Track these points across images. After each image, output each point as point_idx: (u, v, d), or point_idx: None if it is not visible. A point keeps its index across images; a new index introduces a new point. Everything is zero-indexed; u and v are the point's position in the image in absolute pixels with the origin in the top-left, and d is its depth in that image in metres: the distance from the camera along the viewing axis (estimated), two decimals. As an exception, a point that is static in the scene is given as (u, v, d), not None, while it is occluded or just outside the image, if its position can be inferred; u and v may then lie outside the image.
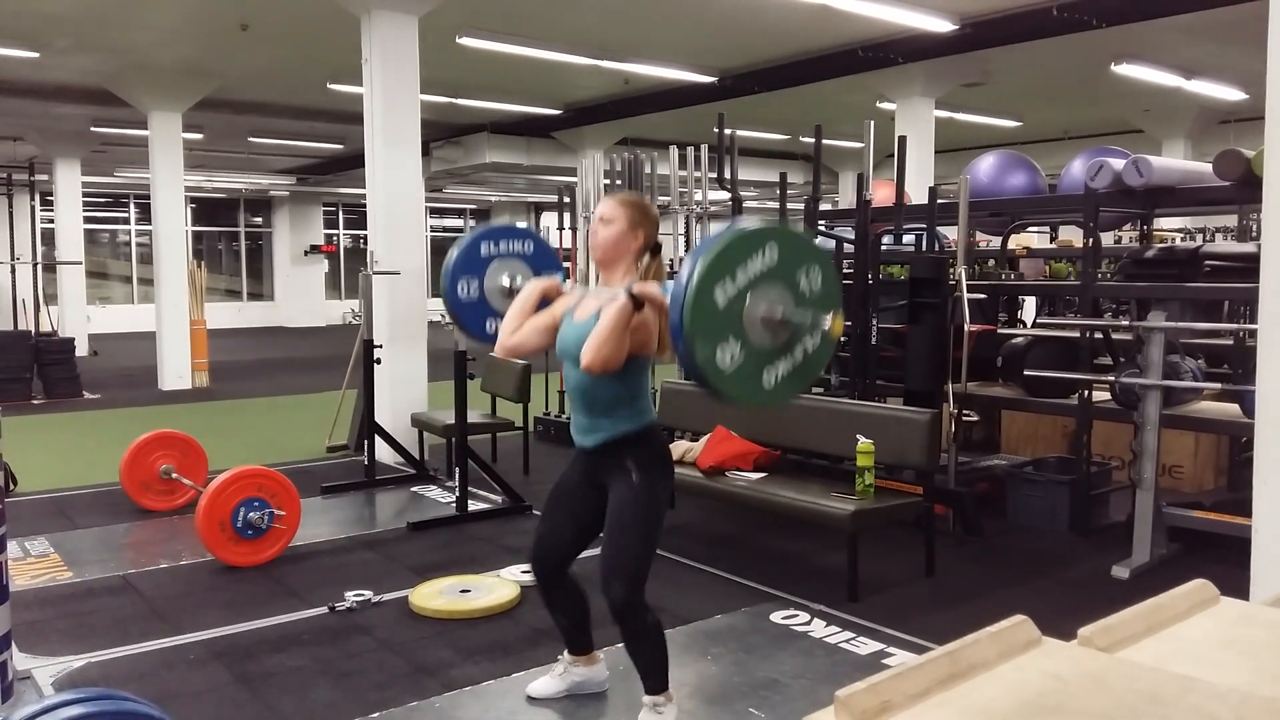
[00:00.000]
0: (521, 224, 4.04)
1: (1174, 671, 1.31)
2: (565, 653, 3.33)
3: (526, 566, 4.65)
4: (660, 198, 7.80)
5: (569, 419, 3.09)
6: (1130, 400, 4.83)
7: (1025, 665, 1.31)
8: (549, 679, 3.33)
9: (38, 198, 17.27)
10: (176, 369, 11.57)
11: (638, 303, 2.72)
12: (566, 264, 8.40)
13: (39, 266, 14.98)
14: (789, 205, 6.81)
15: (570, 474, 3.13)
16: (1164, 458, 4.92)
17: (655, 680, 3.01)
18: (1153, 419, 4.59)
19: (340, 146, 16.68)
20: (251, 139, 16.00)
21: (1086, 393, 5.26)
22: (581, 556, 3.14)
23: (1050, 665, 1.31)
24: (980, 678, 1.27)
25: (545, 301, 3.14)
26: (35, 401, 10.45)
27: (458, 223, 27.47)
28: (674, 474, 3.08)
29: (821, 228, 6.55)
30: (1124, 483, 5.34)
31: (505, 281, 3.47)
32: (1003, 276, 6.60)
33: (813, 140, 6.38)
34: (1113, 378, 4.93)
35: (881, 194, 6.74)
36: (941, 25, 8.62)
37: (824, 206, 10.34)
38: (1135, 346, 4.83)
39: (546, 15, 8.86)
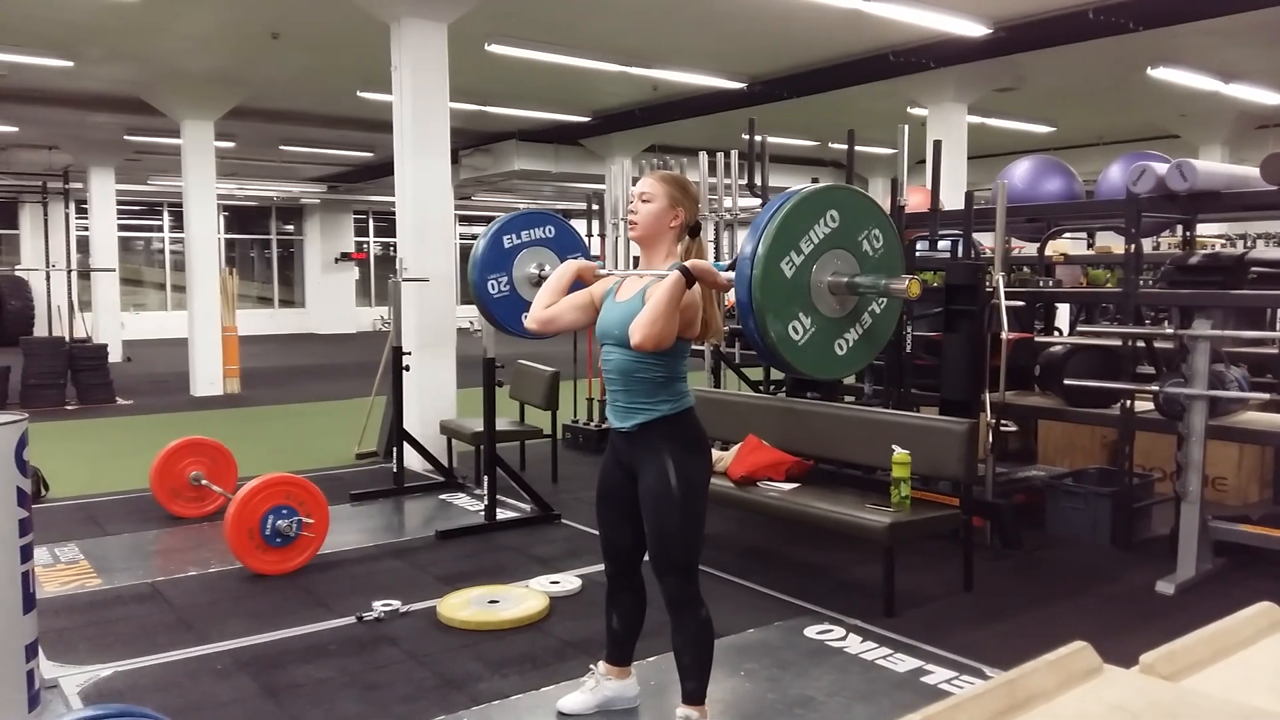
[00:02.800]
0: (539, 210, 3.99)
1: (1246, 703, 1.23)
2: (599, 664, 3.28)
3: (556, 576, 4.63)
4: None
5: (604, 404, 3.05)
6: (1174, 411, 4.70)
7: (1087, 696, 1.23)
8: (580, 694, 3.27)
9: (73, 205, 17.49)
10: (208, 375, 11.64)
11: (690, 278, 2.67)
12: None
13: (74, 273, 15.14)
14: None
15: (608, 468, 3.07)
16: (1208, 469, 4.78)
17: (694, 686, 2.96)
18: (1198, 430, 4.46)
19: (370, 154, 16.77)
20: (283, 147, 16.10)
21: (1129, 403, 5.14)
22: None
23: (1114, 696, 1.23)
24: (1040, 709, 1.20)
25: (579, 284, 3.09)
26: (69, 407, 10.53)
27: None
28: (710, 456, 3.02)
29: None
30: (1166, 495, 5.21)
31: (533, 270, 3.43)
32: (1040, 283, 6.48)
33: (843, 146, 6.30)
34: (1156, 387, 4.80)
35: (914, 200, 6.65)
36: (974, 29, 8.50)
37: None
38: (1179, 355, 4.70)
39: (575, 22, 8.83)
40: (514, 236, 3.57)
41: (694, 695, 2.95)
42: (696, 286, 2.74)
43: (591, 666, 3.30)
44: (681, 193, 2.93)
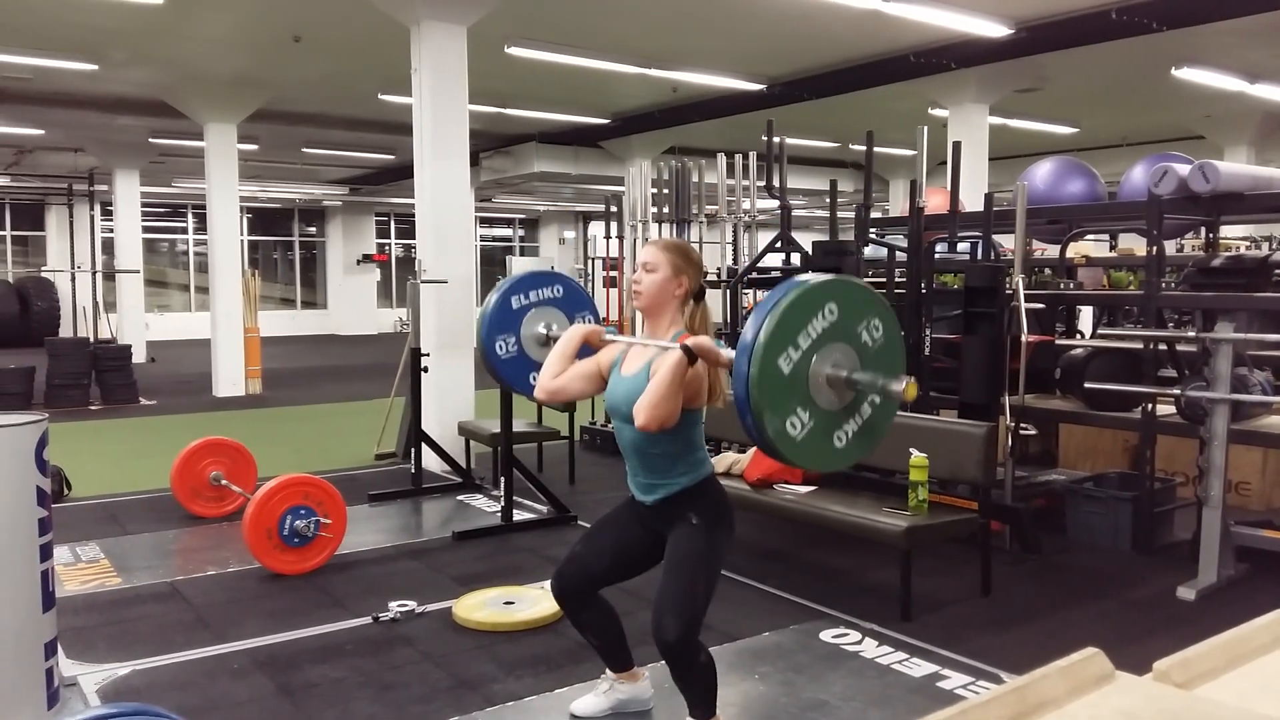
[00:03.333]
0: (546, 269, 4.00)
1: (1260, 712, 1.21)
2: (608, 672, 3.27)
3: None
4: (708, 206, 7.74)
5: (627, 473, 3.01)
6: (1197, 414, 4.65)
7: (1098, 703, 1.22)
8: (593, 697, 3.26)
9: (98, 208, 17.70)
10: (230, 376, 11.73)
11: (692, 357, 2.66)
12: (613, 272, 8.37)
13: (99, 275, 15.31)
14: (839, 213, 6.69)
15: (624, 512, 3.08)
16: (1231, 474, 4.73)
17: (703, 708, 2.93)
18: (1220, 434, 4.41)
19: (392, 157, 16.85)
20: (305, 149, 16.22)
21: (1150, 406, 5.08)
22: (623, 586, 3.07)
23: (1125, 703, 1.22)
24: (1050, 716, 1.18)
25: (587, 348, 3.09)
26: (93, 407, 10.64)
27: (507, 232, 27.63)
28: (734, 527, 3.00)
29: (873, 236, 6.43)
30: (1188, 500, 5.15)
31: (541, 330, 3.41)
32: (1061, 286, 6.43)
33: (863, 147, 6.27)
34: (1178, 391, 4.75)
35: (934, 202, 6.61)
36: (996, 30, 8.45)
37: (878, 215, 10.20)
38: (1201, 359, 4.65)
39: (594, 24, 8.84)
40: (522, 297, 3.55)
41: (696, 706, 2.93)
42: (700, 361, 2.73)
43: (604, 674, 3.30)
44: (684, 260, 2.91)
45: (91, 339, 12.78)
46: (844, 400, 2.53)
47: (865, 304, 2.59)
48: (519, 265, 23.17)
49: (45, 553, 3.15)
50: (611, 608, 3.13)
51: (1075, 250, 7.44)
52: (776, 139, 6.70)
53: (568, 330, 3.14)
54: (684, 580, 2.81)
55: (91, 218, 16.07)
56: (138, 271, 15.57)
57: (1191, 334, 4.67)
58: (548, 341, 3.33)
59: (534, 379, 3.38)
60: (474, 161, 15.87)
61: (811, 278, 2.56)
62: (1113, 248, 9.05)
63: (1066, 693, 1.23)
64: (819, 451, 2.54)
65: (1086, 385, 5.20)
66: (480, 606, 4.21)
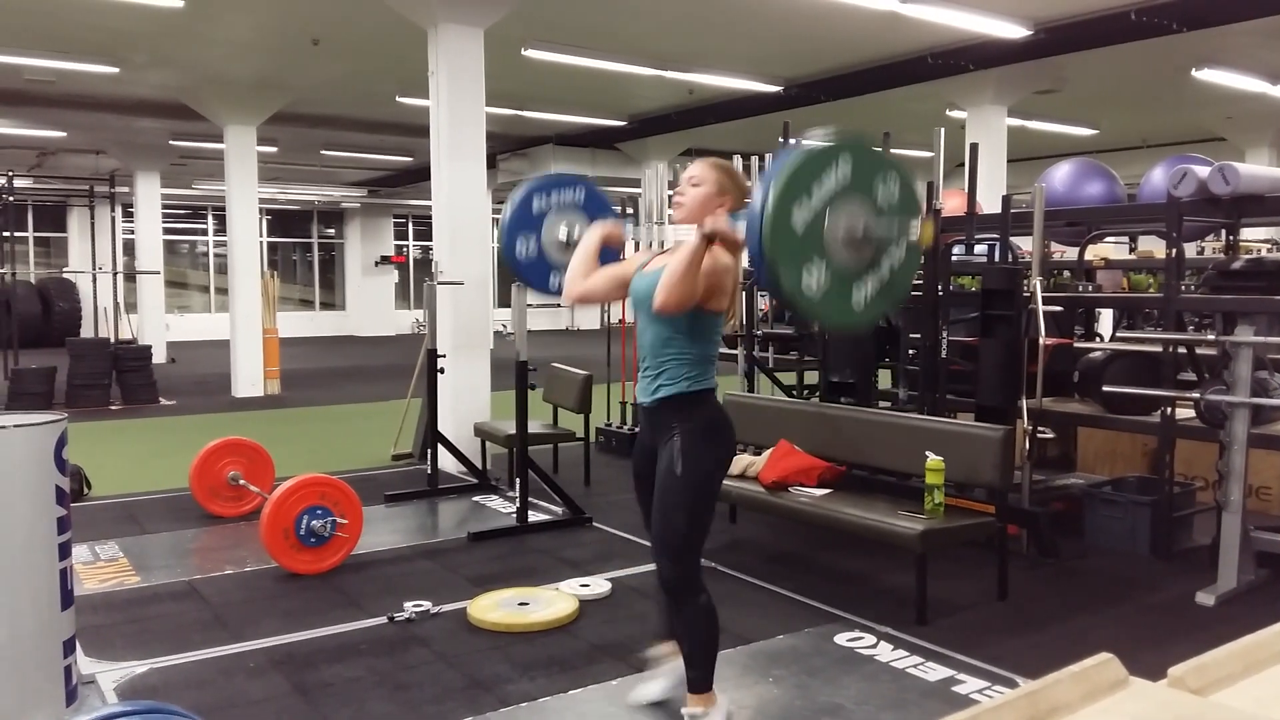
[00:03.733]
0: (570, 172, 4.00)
1: (1277, 719, 1.20)
2: (657, 648, 3.32)
3: (586, 580, 4.63)
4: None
5: (638, 409, 3.04)
6: (1216, 418, 4.61)
7: (1111, 709, 1.21)
8: (651, 682, 3.31)
9: (119, 209, 17.84)
10: (249, 376, 11.80)
11: (709, 238, 2.67)
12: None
13: (120, 276, 15.43)
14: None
15: (637, 448, 3.13)
16: (1251, 478, 4.68)
17: (695, 674, 2.97)
18: (1240, 438, 4.37)
19: (410, 159, 16.92)
20: (324, 152, 16.31)
21: (1169, 410, 5.04)
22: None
23: (1139, 709, 1.21)
24: (1062, 722, 1.18)
25: (607, 251, 3.11)
26: (113, 407, 10.72)
27: (524, 234, 27.67)
28: (731, 442, 3.02)
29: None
30: (1208, 504, 5.11)
31: (562, 234, 3.41)
32: (1079, 288, 6.39)
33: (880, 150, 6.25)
34: (1197, 394, 4.71)
35: (952, 203, 6.58)
36: (1015, 31, 8.41)
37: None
38: (1221, 362, 4.61)
39: (611, 26, 8.86)
40: (545, 199, 3.53)
41: (696, 684, 2.97)
42: (726, 254, 2.74)
43: (649, 655, 3.34)
44: (730, 180, 2.94)
45: (112, 339, 12.89)
46: (862, 258, 2.52)
47: (878, 161, 2.57)
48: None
49: (64, 551, 3.18)
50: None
51: (1094, 253, 7.39)
52: (793, 140, 6.68)
53: (588, 231, 3.16)
54: (665, 514, 2.87)
55: (113, 219, 16.16)
56: (158, 273, 15.69)
57: (1211, 337, 4.63)
58: (568, 245, 3.33)
59: (554, 281, 3.38)
60: (491, 164, 15.92)
61: (820, 137, 2.55)
62: (1132, 250, 8.99)
63: (1080, 698, 1.22)
64: (838, 308, 2.54)
65: (1105, 388, 5.16)
66: (495, 607, 4.21)
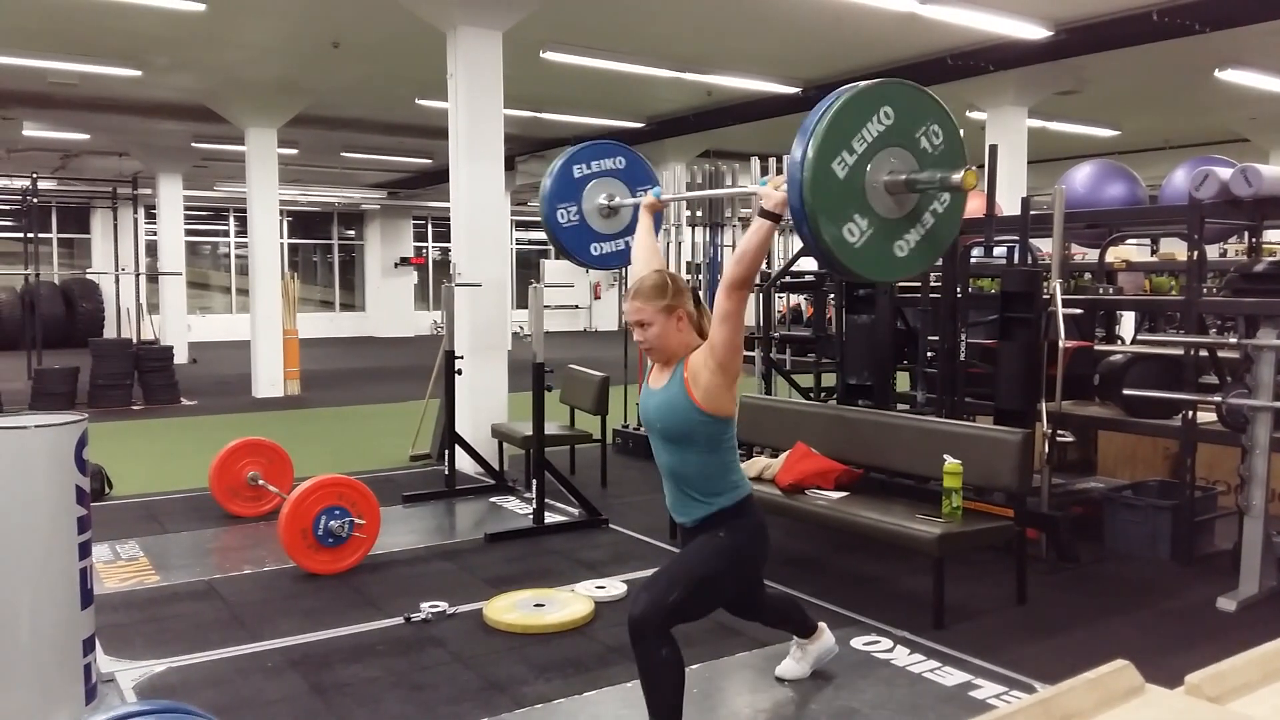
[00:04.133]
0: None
1: (1295, 728, 1.19)
2: (795, 638, 3.51)
3: (602, 581, 4.63)
4: (742, 210, 7.72)
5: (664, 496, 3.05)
6: (1238, 422, 4.57)
7: (1126, 717, 1.20)
8: (791, 662, 3.53)
9: (141, 211, 17.99)
10: (270, 377, 11.87)
11: (774, 216, 2.63)
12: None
13: (142, 277, 15.56)
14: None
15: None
16: (1273, 483, 4.63)
17: (794, 627, 3.14)
18: (1262, 442, 4.33)
19: (429, 161, 16.98)
20: (344, 154, 16.39)
21: (1190, 413, 5.00)
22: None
23: (1154, 717, 1.20)
24: (1076, 729, 1.17)
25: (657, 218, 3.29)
26: (135, 407, 10.81)
27: (542, 235, 27.70)
28: (766, 551, 3.00)
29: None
30: (1230, 509, 5.05)
31: (603, 200, 3.39)
32: (1100, 291, 6.34)
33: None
34: (1219, 398, 4.67)
35: (971, 205, 6.54)
36: (1035, 32, 8.36)
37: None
38: (1244, 365, 4.56)
39: (629, 29, 8.86)
40: (584, 166, 3.51)
41: (800, 631, 3.13)
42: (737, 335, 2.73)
43: (795, 638, 3.52)
44: (670, 295, 2.86)
45: (134, 340, 13.00)
46: (904, 208, 2.47)
47: (923, 108, 2.51)
48: (552, 269, 23.26)
49: (84, 550, 3.20)
50: (782, 598, 3.45)
51: (1115, 255, 7.33)
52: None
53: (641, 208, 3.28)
54: (674, 567, 2.88)
55: (135, 221, 16.33)
56: (180, 274, 15.81)
57: (1233, 340, 4.58)
58: (609, 212, 3.33)
59: (596, 248, 3.39)
60: (510, 166, 15.95)
61: (863, 83, 2.48)
62: (1154, 252, 8.91)
63: (1094, 705, 1.21)
64: (881, 260, 2.48)
65: (1125, 392, 5.13)
66: (511, 608, 4.22)
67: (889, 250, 2.47)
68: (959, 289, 5.68)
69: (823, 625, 3.54)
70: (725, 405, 2.82)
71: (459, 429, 6.71)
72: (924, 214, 2.50)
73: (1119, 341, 7.34)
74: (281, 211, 13.85)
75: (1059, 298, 5.08)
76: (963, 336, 5.61)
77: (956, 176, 2.43)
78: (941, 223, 2.55)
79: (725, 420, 2.85)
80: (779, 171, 7.18)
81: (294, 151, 15.08)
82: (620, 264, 3.85)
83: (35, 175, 13.60)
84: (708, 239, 8.02)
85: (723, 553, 2.86)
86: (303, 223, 24.35)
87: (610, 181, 3.55)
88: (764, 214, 2.64)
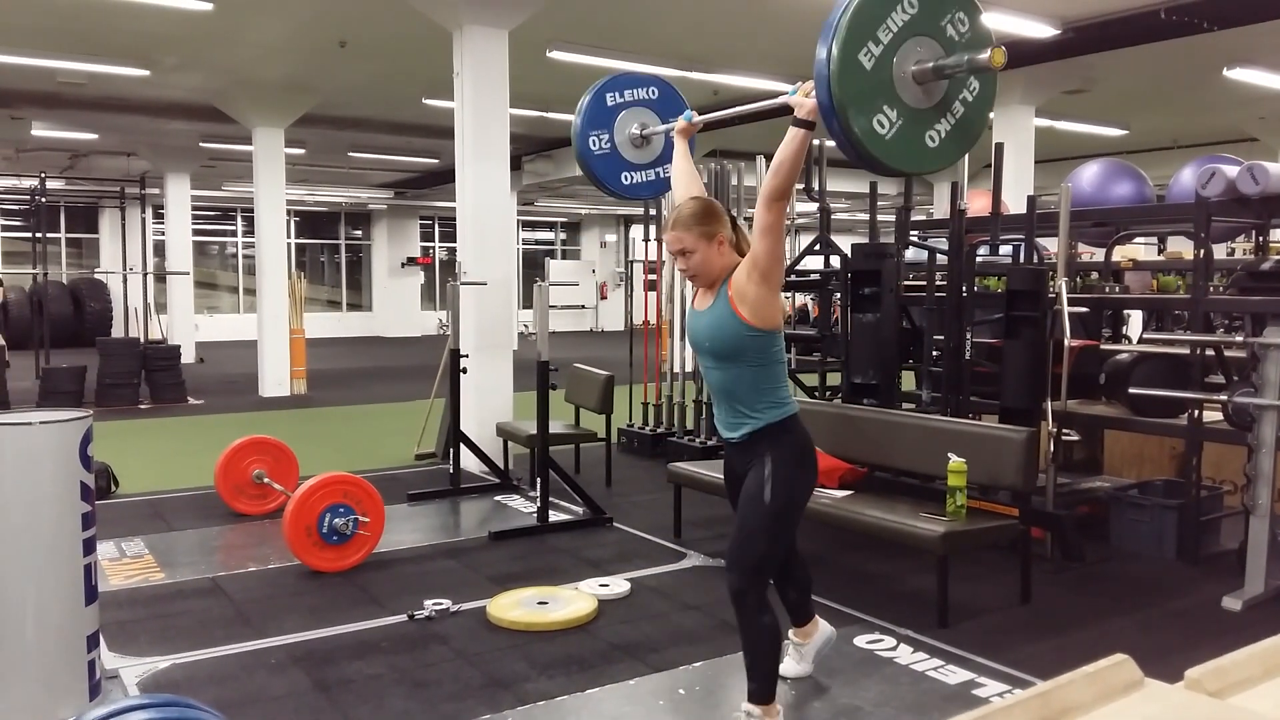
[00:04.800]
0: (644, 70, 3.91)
1: (1295, 723, 1.18)
2: (790, 633, 3.44)
3: (605, 580, 4.63)
4: (747, 210, 7.71)
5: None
6: (1244, 421, 4.55)
7: (1125, 711, 1.19)
8: (791, 662, 3.46)
9: (149, 210, 18.03)
10: (276, 376, 11.90)
11: (808, 124, 2.68)
12: (653, 276, 8.37)
13: (150, 276, 15.61)
14: (879, 216, 6.64)
15: (728, 475, 3.20)
16: (1279, 482, 4.62)
17: (754, 686, 3.02)
18: (1268, 441, 4.31)
19: (436, 161, 16.99)
20: (351, 154, 16.41)
21: (1196, 412, 4.98)
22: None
23: (1153, 711, 1.19)
24: (1074, 723, 1.16)
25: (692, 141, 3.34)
26: (142, 406, 10.84)
27: (549, 235, 27.75)
28: (816, 468, 3.07)
29: (914, 239, 6.37)
30: (1236, 508, 5.03)
31: (636, 129, 3.36)
32: (1107, 290, 6.32)
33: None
34: (1225, 397, 4.65)
35: (977, 204, 6.53)
36: (1042, 30, 8.34)
37: (919, 217, 10.07)
38: (1250, 364, 4.55)
39: (635, 28, 8.86)
40: (617, 95, 3.48)
41: (754, 695, 3.02)
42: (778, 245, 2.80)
43: (786, 640, 3.42)
44: (709, 220, 2.95)
45: (142, 339, 13.03)
46: (934, 97, 2.43)
47: None
48: (557, 269, 23.27)
49: (88, 547, 3.21)
50: (802, 564, 3.40)
51: (1122, 254, 7.31)
52: (816, 142, 6.66)
53: (673, 135, 3.29)
54: (746, 534, 2.93)
55: (143, 220, 16.34)
56: (188, 273, 15.85)
57: (1239, 339, 4.57)
58: (642, 142, 3.31)
59: (628, 178, 3.39)
60: (516, 165, 15.97)
61: None
62: (1161, 251, 8.89)
63: (1093, 699, 1.21)
64: (912, 150, 2.45)
65: (1131, 391, 5.11)
66: (514, 606, 4.22)
67: (920, 141, 2.44)
68: (965, 287, 5.66)
69: (817, 616, 3.52)
70: (772, 316, 2.89)
71: (464, 428, 6.71)
72: (954, 102, 2.48)
73: (1126, 341, 7.32)
74: (289, 211, 13.87)
75: (1064, 296, 5.07)
76: (968, 335, 5.60)
77: (984, 56, 2.40)
78: (972, 110, 2.51)
79: (773, 333, 2.92)
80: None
81: (301, 151, 15.10)
82: (652, 193, 3.86)
83: (44, 175, 13.67)
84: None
85: (777, 488, 2.90)
86: (310, 223, 24.41)
87: (642, 110, 3.52)
88: (797, 123, 2.68)
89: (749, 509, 2.93)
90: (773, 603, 3.03)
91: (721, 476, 3.33)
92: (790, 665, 3.48)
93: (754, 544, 2.91)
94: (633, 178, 3.38)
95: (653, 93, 3.53)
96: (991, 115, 8.87)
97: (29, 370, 12.62)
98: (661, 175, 3.43)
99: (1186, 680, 1.27)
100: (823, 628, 3.52)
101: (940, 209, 15.95)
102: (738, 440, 3.00)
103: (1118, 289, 6.43)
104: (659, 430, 7.99)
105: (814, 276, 7.17)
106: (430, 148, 15.62)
